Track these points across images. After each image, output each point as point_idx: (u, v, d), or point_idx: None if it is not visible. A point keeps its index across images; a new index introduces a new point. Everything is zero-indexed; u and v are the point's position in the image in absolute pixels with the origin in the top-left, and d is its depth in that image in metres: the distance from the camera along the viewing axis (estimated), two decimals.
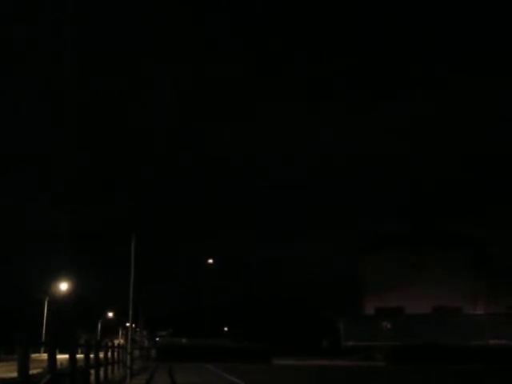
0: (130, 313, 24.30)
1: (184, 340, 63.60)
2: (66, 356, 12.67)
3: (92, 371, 16.02)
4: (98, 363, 17.17)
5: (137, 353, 40.57)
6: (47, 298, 64.59)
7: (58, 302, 68.08)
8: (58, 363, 11.38)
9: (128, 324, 28.10)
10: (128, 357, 24.53)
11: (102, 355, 19.29)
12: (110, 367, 21.00)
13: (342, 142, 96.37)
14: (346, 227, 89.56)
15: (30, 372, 9.25)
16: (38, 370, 11.13)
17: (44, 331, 59.37)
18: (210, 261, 70.05)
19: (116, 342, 48.97)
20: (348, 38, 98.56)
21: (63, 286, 66.04)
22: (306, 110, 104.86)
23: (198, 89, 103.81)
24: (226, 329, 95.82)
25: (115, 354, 24.07)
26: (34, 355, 9.77)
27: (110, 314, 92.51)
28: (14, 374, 9.02)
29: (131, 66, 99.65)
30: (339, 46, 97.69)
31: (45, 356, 11.62)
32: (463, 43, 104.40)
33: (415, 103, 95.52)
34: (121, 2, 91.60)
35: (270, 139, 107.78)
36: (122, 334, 79.32)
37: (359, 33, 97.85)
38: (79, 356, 14.47)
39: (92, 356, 16.40)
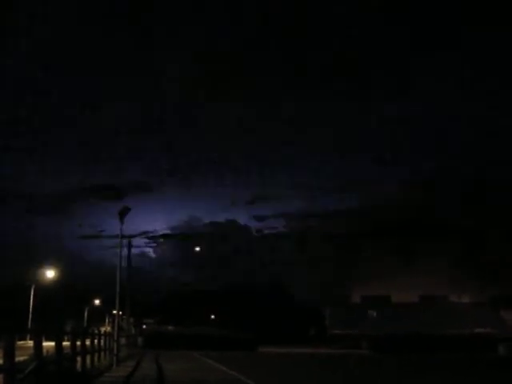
0: (117, 300, 24.25)
1: (170, 328, 63.65)
2: (52, 343, 12.60)
3: (78, 359, 15.98)
4: (84, 351, 17.11)
5: (123, 340, 40.52)
6: (33, 285, 64.28)
7: (44, 289, 67.79)
8: (44, 351, 11.33)
9: (115, 311, 28.07)
10: (115, 344, 24.51)
11: (88, 343, 19.23)
12: (96, 354, 20.96)
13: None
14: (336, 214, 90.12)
15: (16, 359, 9.20)
16: (24, 358, 11.08)
17: (30, 318, 59.13)
18: (197, 249, 70.08)
19: (103, 329, 48.89)
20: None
21: (49, 273, 65.72)
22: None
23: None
24: (212, 317, 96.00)
25: (102, 341, 24.02)
26: (19, 342, 9.71)
27: (97, 302, 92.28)
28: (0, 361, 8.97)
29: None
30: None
31: (31, 343, 11.55)
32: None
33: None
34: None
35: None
36: (109, 321, 79.19)
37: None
38: (65, 343, 14.42)
39: (78, 343, 16.34)
